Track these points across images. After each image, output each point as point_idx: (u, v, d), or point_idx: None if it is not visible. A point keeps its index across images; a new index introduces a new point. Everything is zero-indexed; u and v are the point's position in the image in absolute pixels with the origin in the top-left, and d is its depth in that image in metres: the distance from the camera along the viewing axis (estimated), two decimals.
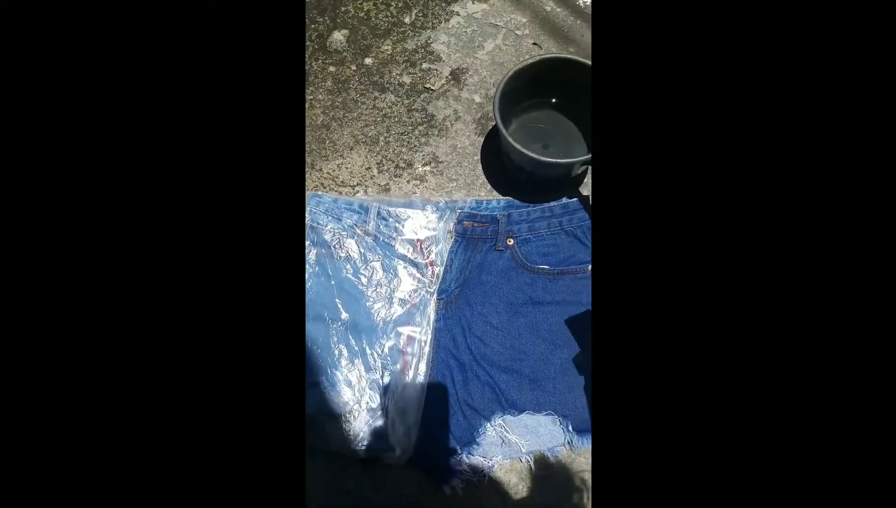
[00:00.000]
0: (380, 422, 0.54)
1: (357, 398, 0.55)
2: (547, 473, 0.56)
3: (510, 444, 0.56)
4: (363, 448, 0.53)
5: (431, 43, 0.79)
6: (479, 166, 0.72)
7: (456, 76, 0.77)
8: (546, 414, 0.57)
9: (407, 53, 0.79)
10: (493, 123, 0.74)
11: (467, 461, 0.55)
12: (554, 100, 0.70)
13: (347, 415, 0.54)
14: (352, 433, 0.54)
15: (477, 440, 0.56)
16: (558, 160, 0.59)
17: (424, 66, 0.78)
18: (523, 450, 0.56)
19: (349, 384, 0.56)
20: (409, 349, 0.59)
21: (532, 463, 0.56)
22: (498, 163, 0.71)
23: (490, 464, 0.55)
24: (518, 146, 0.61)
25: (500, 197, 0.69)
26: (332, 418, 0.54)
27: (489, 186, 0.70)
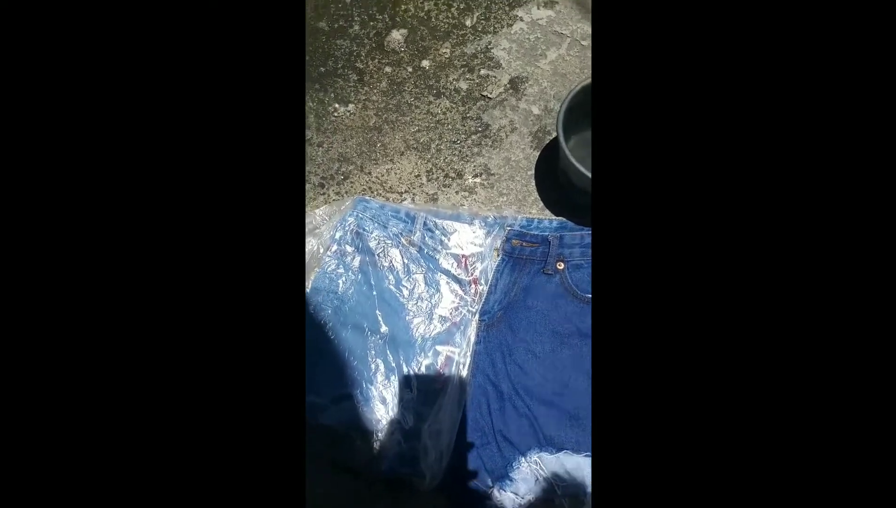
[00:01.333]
0: (411, 445, 0.53)
1: (390, 416, 0.54)
2: None
3: (544, 483, 0.53)
4: (391, 469, 0.52)
5: (492, 48, 0.77)
6: (533, 182, 0.69)
7: (515, 85, 0.74)
8: (585, 455, 0.54)
9: (466, 58, 0.76)
10: (550, 138, 0.71)
11: (498, 495, 0.53)
12: None
13: (379, 433, 0.53)
14: (381, 452, 0.52)
15: (510, 474, 0.53)
16: None
17: (483, 72, 0.75)
18: (558, 491, 0.53)
19: (384, 401, 0.55)
20: (446, 370, 0.57)
21: (566, 506, 0.53)
22: (553, 180, 0.68)
23: (521, 501, 0.53)
24: (578, 165, 0.57)
25: (553, 217, 0.66)
26: (363, 434, 0.53)
27: (541, 204, 0.67)
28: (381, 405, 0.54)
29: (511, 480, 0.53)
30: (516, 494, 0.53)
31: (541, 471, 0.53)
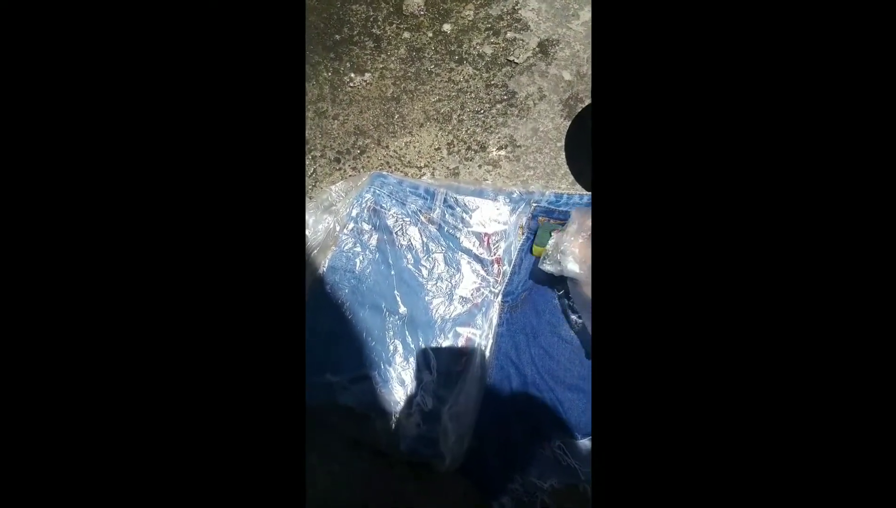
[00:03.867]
0: (431, 427, 0.54)
1: (409, 398, 0.55)
2: None
3: (569, 469, 0.54)
4: (411, 451, 0.54)
5: (519, 9, 0.74)
6: (562, 155, 0.67)
7: (544, 49, 0.71)
8: None
9: (490, 20, 0.74)
10: (583, 106, 0.68)
11: (520, 479, 0.54)
12: None
13: (398, 415, 0.55)
14: (401, 434, 0.54)
15: (533, 459, 0.54)
16: None
17: (509, 35, 0.73)
18: (582, 477, 0.53)
19: (402, 382, 0.56)
20: (466, 353, 0.57)
21: (590, 493, 0.53)
22: (585, 152, 0.66)
23: (545, 487, 0.54)
24: None
25: (584, 192, 0.64)
26: (383, 416, 0.55)
27: (572, 179, 0.65)
28: (400, 387, 0.56)
29: (533, 464, 0.54)
30: (538, 478, 0.54)
31: (565, 457, 0.54)
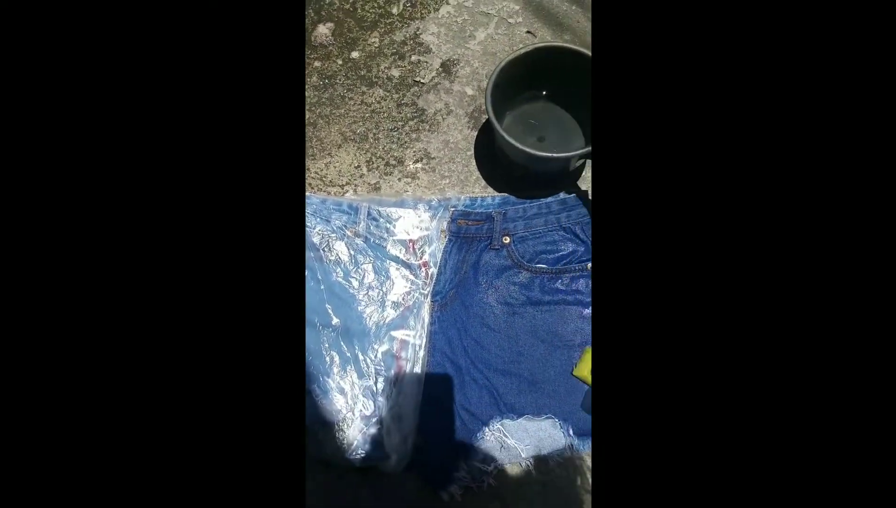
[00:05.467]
0: (374, 430, 0.57)
1: (350, 405, 0.58)
2: (548, 478, 0.59)
3: (510, 449, 0.58)
4: (358, 456, 0.56)
5: (420, 34, 0.82)
6: (473, 162, 0.74)
7: (447, 68, 0.79)
8: (546, 418, 0.60)
9: (395, 46, 0.81)
10: (486, 117, 0.76)
11: (466, 466, 0.58)
12: (546, 92, 0.72)
13: (341, 423, 0.57)
14: (346, 441, 0.56)
15: (475, 445, 0.58)
16: (554, 154, 0.62)
17: (414, 58, 0.80)
18: (523, 455, 0.58)
19: (342, 391, 0.58)
20: (403, 354, 0.61)
21: (533, 468, 0.58)
22: (492, 158, 0.74)
23: (489, 469, 0.58)
24: (512, 140, 0.63)
25: (496, 194, 0.71)
26: (326, 426, 0.56)
27: (483, 183, 0.73)
28: (340, 396, 0.58)
29: (476, 450, 0.58)
30: (483, 462, 0.58)
31: (504, 437, 0.59)
